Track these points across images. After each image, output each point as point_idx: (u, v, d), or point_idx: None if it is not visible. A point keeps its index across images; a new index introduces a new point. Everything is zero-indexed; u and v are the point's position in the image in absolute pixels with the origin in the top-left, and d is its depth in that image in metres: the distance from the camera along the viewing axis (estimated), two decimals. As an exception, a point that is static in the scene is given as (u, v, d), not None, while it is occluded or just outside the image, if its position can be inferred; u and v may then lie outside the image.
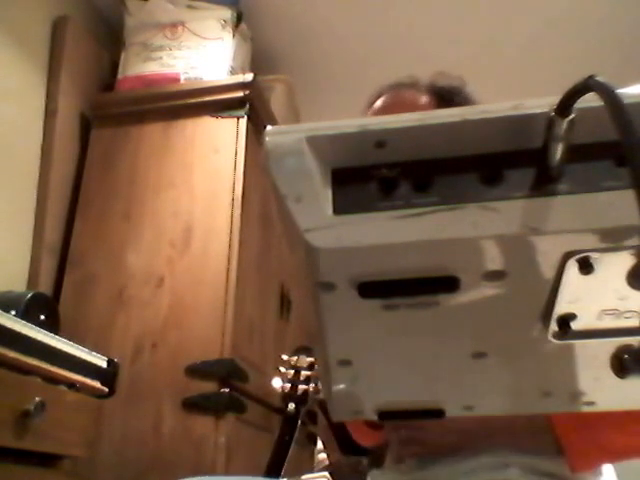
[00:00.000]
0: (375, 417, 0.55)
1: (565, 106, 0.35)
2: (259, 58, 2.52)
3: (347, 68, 2.77)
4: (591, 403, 0.51)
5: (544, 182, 0.36)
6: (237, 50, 2.29)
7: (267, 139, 0.39)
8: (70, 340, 1.42)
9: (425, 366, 0.49)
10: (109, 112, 2.23)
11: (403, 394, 0.53)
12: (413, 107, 1.14)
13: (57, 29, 2.18)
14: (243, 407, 1.85)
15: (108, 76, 2.37)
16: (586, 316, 0.41)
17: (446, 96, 1.16)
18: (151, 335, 1.87)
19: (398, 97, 1.18)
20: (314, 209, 0.37)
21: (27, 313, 1.47)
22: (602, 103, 0.33)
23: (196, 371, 1.79)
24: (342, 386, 0.52)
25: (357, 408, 0.55)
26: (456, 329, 0.44)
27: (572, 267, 0.37)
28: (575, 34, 2.62)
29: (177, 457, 1.72)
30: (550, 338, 0.42)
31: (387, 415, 0.55)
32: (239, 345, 1.85)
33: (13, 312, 1.41)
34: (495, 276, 0.38)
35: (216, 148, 2.06)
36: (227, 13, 2.29)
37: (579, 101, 0.35)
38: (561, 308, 0.40)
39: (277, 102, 2.42)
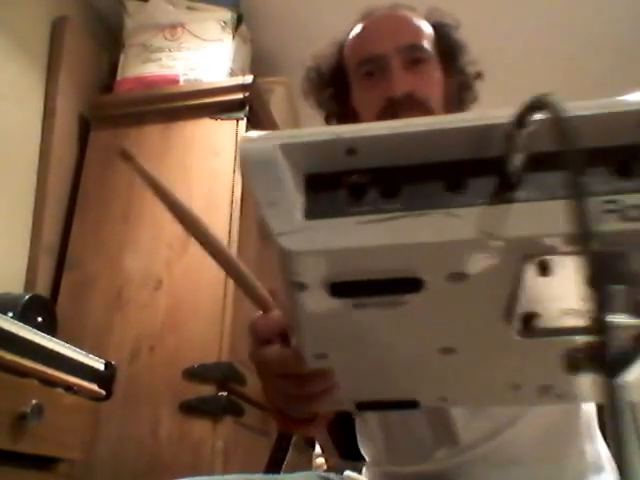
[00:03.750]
0: (353, 407, 0.58)
1: (520, 120, 0.37)
2: (259, 60, 2.53)
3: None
4: (562, 396, 0.54)
5: (504, 190, 0.38)
6: (237, 52, 2.30)
7: (242, 146, 0.41)
8: (67, 342, 1.42)
9: (396, 361, 0.51)
10: (108, 113, 2.24)
11: (378, 386, 0.56)
12: (413, 25, 1.12)
13: (56, 30, 2.19)
14: (241, 411, 1.85)
15: (107, 77, 2.38)
16: (548, 315, 0.43)
17: (440, 30, 1.15)
18: (149, 338, 1.88)
19: (398, 13, 1.15)
20: (286, 214, 0.40)
21: (24, 315, 1.47)
22: (554, 116, 0.35)
23: (194, 374, 1.80)
24: None
25: (336, 398, 0.58)
26: (424, 326, 0.46)
27: (531, 269, 0.39)
28: (575, 33, 2.63)
29: (174, 460, 1.73)
30: (514, 335, 0.44)
31: (364, 406, 0.59)
32: (237, 348, 1.85)
33: (10, 314, 1.41)
34: (458, 277, 0.40)
35: (215, 150, 2.07)
36: (227, 15, 2.30)
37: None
38: (523, 307, 0.42)
39: (277, 104, 2.42)
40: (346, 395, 0.58)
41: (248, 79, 2.13)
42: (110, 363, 1.53)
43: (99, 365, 1.50)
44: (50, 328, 1.54)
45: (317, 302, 0.43)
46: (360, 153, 0.40)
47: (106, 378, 1.51)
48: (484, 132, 0.38)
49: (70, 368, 1.39)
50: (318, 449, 2.01)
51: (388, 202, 0.39)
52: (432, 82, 1.09)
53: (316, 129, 0.40)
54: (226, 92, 2.13)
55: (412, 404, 0.57)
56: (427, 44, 1.10)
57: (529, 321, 0.43)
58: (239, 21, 2.32)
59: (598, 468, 0.99)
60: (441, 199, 0.39)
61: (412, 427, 1.02)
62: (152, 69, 2.25)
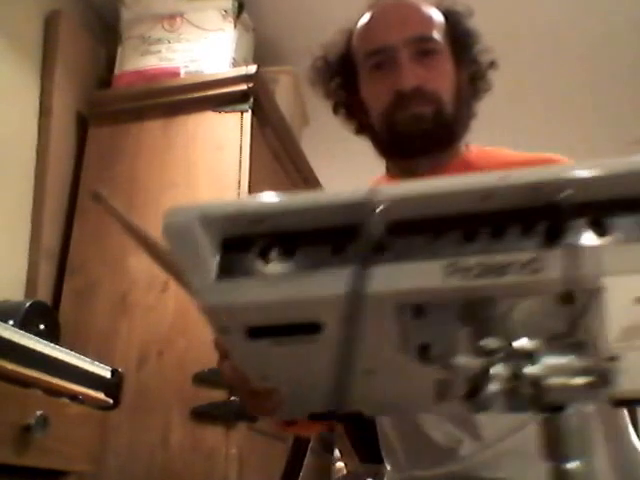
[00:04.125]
0: (307, 418, 0.67)
1: (369, 205, 0.46)
2: (262, 49, 2.51)
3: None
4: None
5: (373, 252, 0.47)
6: (239, 41, 2.28)
7: (165, 220, 0.50)
8: (71, 350, 1.41)
9: (328, 381, 0.59)
10: (106, 109, 2.22)
11: (322, 401, 0.63)
12: (422, 15, 1.15)
13: (50, 24, 2.17)
14: (254, 416, 1.83)
15: (105, 72, 2.37)
16: (440, 346, 0.51)
17: (452, 19, 1.18)
18: (156, 342, 1.86)
19: (407, 2, 1.18)
20: (203, 274, 0.49)
21: (25, 323, 1.46)
22: (403, 194, 0.47)
23: (204, 379, 1.78)
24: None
25: (289, 411, 0.70)
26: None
27: (407, 312, 0.49)
28: (593, 21, 2.60)
29: (187, 470, 1.72)
30: (415, 362, 0.53)
31: (317, 416, 0.68)
32: (249, 350, 1.83)
33: (11, 322, 1.41)
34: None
35: (219, 144, 2.05)
36: (228, 3, 2.28)
37: (385, 192, 0.47)
38: (416, 341, 0.52)
39: (282, 94, 2.41)
40: (297, 407, 0.67)
41: (251, 69, 2.11)
42: (117, 370, 1.52)
43: (105, 372, 1.50)
44: (53, 335, 1.53)
45: (242, 341, 0.53)
46: (264, 222, 0.50)
47: (113, 386, 1.50)
48: (353, 207, 0.47)
49: (75, 377, 1.38)
50: (337, 453, 1.99)
51: (286, 263, 0.49)
52: (442, 74, 1.12)
53: (228, 202, 0.51)
54: (229, 83, 2.11)
55: (357, 415, 0.66)
56: (437, 34, 1.13)
57: (424, 351, 0.52)
58: (240, 9, 2.30)
59: (626, 466, 1.03)
60: (325, 260, 0.49)
61: (427, 429, 1.06)
62: (151, 62, 2.24)
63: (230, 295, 0.49)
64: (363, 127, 1.23)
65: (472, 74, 1.19)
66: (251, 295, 0.49)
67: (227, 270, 0.50)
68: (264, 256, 0.50)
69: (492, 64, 1.22)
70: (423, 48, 1.11)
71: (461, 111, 1.15)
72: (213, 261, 0.50)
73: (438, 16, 1.16)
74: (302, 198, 0.50)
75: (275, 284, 0.49)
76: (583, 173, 0.46)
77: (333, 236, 0.49)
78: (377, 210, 0.46)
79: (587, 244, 0.45)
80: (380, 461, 1.36)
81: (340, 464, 2.01)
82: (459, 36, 1.18)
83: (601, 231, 0.46)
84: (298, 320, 0.51)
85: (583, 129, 3.08)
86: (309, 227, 0.50)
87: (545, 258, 0.45)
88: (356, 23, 1.20)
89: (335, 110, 1.26)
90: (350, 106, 1.23)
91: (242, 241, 0.50)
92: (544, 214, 0.46)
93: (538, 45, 2.69)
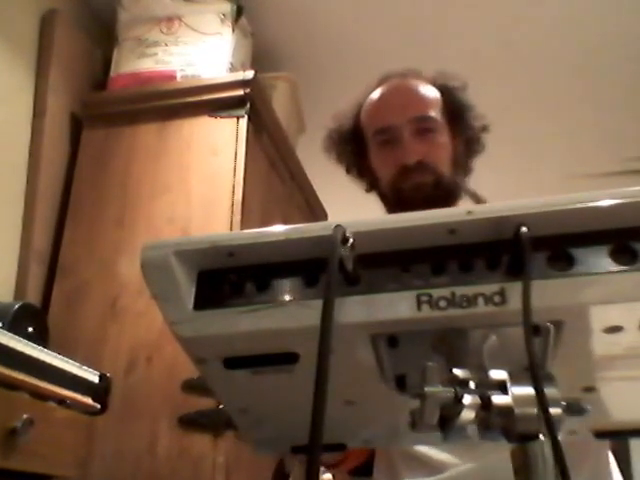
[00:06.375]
0: (290, 451, 0.69)
1: (341, 240, 0.49)
2: (260, 54, 2.52)
3: (354, 65, 2.77)
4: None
5: (346, 284, 0.51)
6: (237, 46, 2.29)
7: (142, 254, 0.53)
8: (60, 353, 1.42)
9: (307, 413, 0.60)
10: (101, 112, 2.23)
11: (302, 435, 0.64)
12: (421, 97, 1.31)
13: (46, 24, 2.18)
14: (243, 425, 1.84)
15: (100, 74, 2.38)
16: (415, 376, 0.51)
17: (447, 94, 1.34)
18: (146, 348, 1.86)
19: (408, 84, 1.34)
20: (178, 306, 0.53)
21: (14, 325, 1.47)
22: (372, 228, 0.51)
23: (193, 386, 1.77)
24: (248, 429, 0.68)
25: (272, 444, 0.72)
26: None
27: (381, 342, 0.52)
28: (589, 26, 2.62)
29: (173, 477, 1.72)
30: (393, 392, 0.55)
31: (300, 449, 0.69)
32: (239, 358, 1.84)
33: None
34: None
35: (214, 150, 2.06)
36: (226, 7, 2.29)
37: (354, 226, 0.50)
38: (392, 371, 0.54)
39: (280, 101, 2.42)
40: (279, 441, 0.70)
41: (249, 75, 2.12)
42: (105, 375, 1.52)
43: (93, 377, 1.49)
44: (41, 338, 1.53)
45: (219, 372, 0.55)
46: (238, 255, 0.53)
47: (101, 391, 1.50)
48: (323, 240, 0.50)
49: (63, 380, 1.38)
50: (325, 465, 2.00)
51: (260, 295, 0.52)
52: (440, 148, 1.28)
53: (202, 237, 0.54)
54: (226, 88, 2.12)
55: (340, 447, 0.69)
56: (435, 112, 1.31)
57: (402, 381, 0.54)
58: (239, 13, 2.31)
59: None
60: (299, 293, 0.52)
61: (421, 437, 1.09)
62: (147, 65, 2.24)
63: (206, 326, 0.52)
64: (372, 186, 1.39)
65: (467, 139, 1.35)
66: (227, 326, 0.51)
67: (203, 302, 0.53)
68: (239, 288, 0.53)
69: (484, 128, 1.37)
70: (423, 127, 1.27)
71: (458, 175, 1.32)
72: (190, 293, 0.53)
73: (435, 94, 1.32)
74: (273, 232, 0.54)
75: (250, 315, 0.51)
76: (544, 207, 0.49)
77: (306, 268, 0.52)
78: (347, 244, 0.49)
79: (548, 276, 0.48)
80: (368, 474, 1.37)
81: (328, 475, 2.02)
82: (454, 109, 1.33)
83: (564, 264, 0.49)
84: (273, 350, 0.53)
85: (581, 144, 3.10)
86: (282, 260, 0.53)
87: (509, 290, 0.48)
88: (364, 98, 1.38)
89: (347, 171, 1.45)
90: (360, 169, 1.41)
91: (217, 274, 0.53)
92: (507, 247, 0.49)
93: (534, 56, 2.71)
